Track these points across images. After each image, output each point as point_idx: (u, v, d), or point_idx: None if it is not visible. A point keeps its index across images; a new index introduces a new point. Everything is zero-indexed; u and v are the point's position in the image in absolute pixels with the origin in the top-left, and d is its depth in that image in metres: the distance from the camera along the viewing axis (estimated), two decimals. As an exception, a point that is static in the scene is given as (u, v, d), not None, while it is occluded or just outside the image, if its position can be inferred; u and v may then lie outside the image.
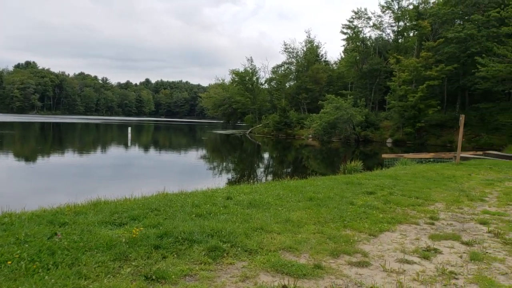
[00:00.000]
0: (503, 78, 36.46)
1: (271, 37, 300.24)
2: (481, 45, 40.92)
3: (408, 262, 4.22)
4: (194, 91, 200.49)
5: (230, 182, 16.32)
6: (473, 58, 39.79)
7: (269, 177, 20.07)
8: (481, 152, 24.35)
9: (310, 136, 50.64)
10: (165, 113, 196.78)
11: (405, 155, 20.83)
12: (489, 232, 5.57)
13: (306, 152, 37.57)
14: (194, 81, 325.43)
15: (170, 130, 74.19)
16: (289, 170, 25.26)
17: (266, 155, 36.96)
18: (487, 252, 4.62)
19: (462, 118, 17.03)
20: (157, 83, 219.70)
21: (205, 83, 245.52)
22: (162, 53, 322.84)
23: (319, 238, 4.80)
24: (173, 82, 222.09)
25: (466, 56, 42.78)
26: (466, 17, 45.44)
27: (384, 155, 20.90)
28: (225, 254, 4.04)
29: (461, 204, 7.70)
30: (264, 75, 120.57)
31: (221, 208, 6.05)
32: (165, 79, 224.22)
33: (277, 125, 57.74)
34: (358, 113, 45.26)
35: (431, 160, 19.46)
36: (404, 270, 3.96)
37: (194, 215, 5.49)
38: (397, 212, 6.65)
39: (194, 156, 30.91)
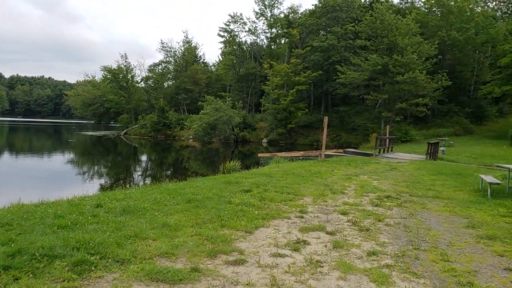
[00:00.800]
0: (358, 84, 41.76)
1: (147, 34, 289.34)
2: (340, 55, 46.25)
3: (280, 255, 4.46)
4: (59, 88, 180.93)
5: (102, 189, 15.18)
6: (334, 66, 44.66)
7: (147, 181, 19.28)
8: (341, 150, 27.42)
9: (191, 137, 50.42)
10: (23, 113, 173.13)
11: (278, 154, 22.24)
12: (348, 221, 6.25)
13: (186, 153, 37.23)
14: (59, 77, 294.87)
15: (30, 132, 65.70)
16: (168, 172, 24.68)
17: (143, 158, 35.47)
18: (346, 240, 5.17)
19: (325, 120, 18.92)
20: (12, 78, 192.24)
21: (72, 80, 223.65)
22: (18, 44, 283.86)
23: (196, 240, 4.74)
24: (33, 77, 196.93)
25: (329, 64, 47.79)
26: (328, 29, 50.82)
27: (259, 154, 21.99)
28: (93, 268, 3.69)
29: (325, 197, 8.49)
30: (140, 73, 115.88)
31: (90, 217, 5.53)
32: (22, 74, 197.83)
33: (155, 126, 55.98)
34: (236, 115, 46.81)
35: (301, 158, 21.17)
36: (277, 264, 4.17)
37: (56, 227, 4.90)
38: (271, 208, 7.00)
39: (59, 161, 27.92)
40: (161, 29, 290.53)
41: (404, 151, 26.94)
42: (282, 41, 59.87)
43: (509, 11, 61.88)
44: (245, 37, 67.56)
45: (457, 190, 9.71)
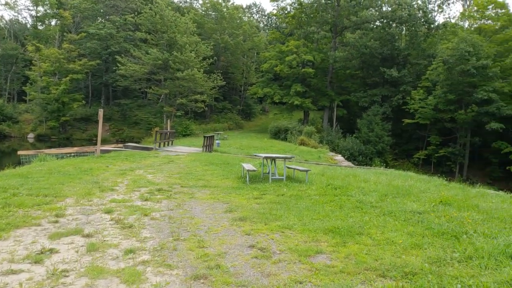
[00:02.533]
0: (139, 77, 40.97)
1: None
2: (120, 45, 44.30)
3: (14, 272, 3.64)
4: None
5: None
6: (113, 57, 42.41)
7: None
8: (121, 145, 26.28)
9: None
10: None
11: (46, 150, 19.40)
12: (112, 219, 5.79)
13: None
14: None
15: None
16: None
17: None
18: (105, 241, 4.72)
19: (100, 113, 17.60)
20: None
21: None
22: None
23: None
24: None
25: (108, 54, 45.08)
26: (107, 17, 47.81)
27: (20, 152, 18.64)
28: None
29: (92, 196, 7.73)
30: None
31: None
32: None
33: None
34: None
35: (73, 154, 19.07)
36: (7, 284, 3.36)
37: None
38: (16, 215, 5.80)
39: None
40: None
41: (184, 144, 28.06)
42: (52, 23, 52.79)
43: (268, 24, 73.31)
44: (1, 12, 56.32)
45: (224, 179, 10.57)
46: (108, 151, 20.59)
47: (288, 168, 10.52)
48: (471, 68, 31.93)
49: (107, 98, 50.27)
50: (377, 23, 43.26)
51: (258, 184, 9.10)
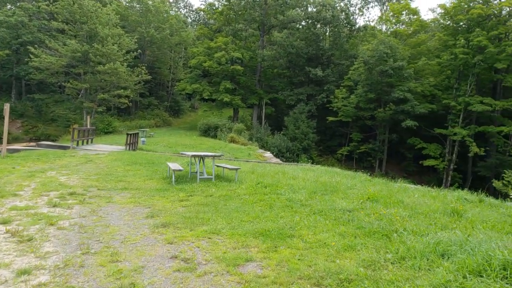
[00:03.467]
0: (56, 71, 37.57)
1: None
2: (33, 35, 40.27)
3: None
4: None
5: None
6: (26, 47, 38.38)
7: None
8: (34, 143, 23.86)
9: None
10: None
11: None
12: (7, 232, 4.90)
13: None
14: None
15: None
16: None
17: None
18: (-7, 259, 3.91)
19: (6, 107, 15.69)
20: None
21: None
22: None
23: None
24: None
25: (19, 44, 40.73)
26: (18, 3, 43.14)
27: None
28: None
29: (-13, 203, 6.62)
30: None
31: None
32: None
33: None
34: None
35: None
36: None
37: None
38: None
39: None
40: None
41: (106, 142, 26.33)
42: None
43: (196, 20, 71.96)
44: None
45: (148, 179, 9.83)
46: (17, 150, 18.52)
47: (218, 166, 10.09)
48: (389, 69, 34.12)
49: (19, 93, 45.47)
50: (303, 23, 44.49)
51: (185, 185, 8.55)
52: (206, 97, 43.25)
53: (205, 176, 9.11)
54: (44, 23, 41.00)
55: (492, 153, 33.15)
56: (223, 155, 13.15)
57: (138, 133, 22.71)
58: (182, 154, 10.65)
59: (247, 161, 19.10)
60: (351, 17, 44.34)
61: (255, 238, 4.46)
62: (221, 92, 40.04)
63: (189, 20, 70.92)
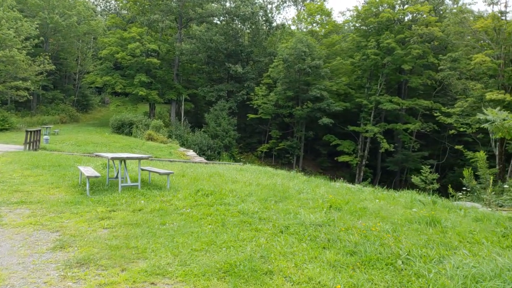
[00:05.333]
0: None
1: None
2: None
3: None
4: None
5: None
6: None
7: None
8: None
9: None
10: None
11: None
12: None
13: None
14: None
15: None
16: None
17: None
18: None
19: None
20: None
21: None
22: None
23: None
24: None
25: None
26: None
27: None
28: None
29: None
30: None
31: None
32: None
33: None
34: None
35: None
36: None
37: None
38: None
39: None
40: None
41: (0, 141, 22.52)
42: None
43: (106, 9, 66.58)
44: None
45: (53, 188, 7.91)
46: None
47: (142, 170, 8.54)
48: (307, 67, 34.68)
49: None
50: (222, 18, 43.39)
51: (104, 195, 6.90)
52: (119, 91, 39.90)
53: (129, 183, 7.52)
54: None
55: (399, 149, 35.65)
56: (151, 156, 11.48)
57: (40, 130, 19.57)
58: (97, 155, 8.87)
59: (171, 161, 17.48)
60: (270, 14, 44.36)
61: (220, 280, 3.19)
62: (135, 85, 37.19)
63: (99, 9, 65.24)
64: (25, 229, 4.85)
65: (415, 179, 17.02)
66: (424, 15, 34.24)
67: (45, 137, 21.41)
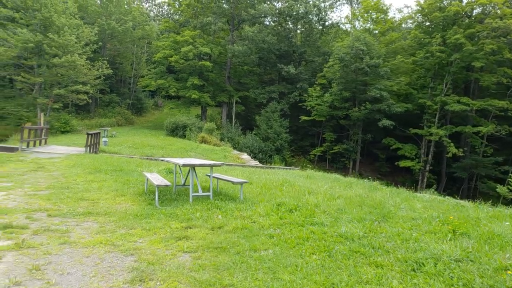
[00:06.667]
0: (6, 63, 33.40)
1: None
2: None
3: None
4: None
5: None
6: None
7: None
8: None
9: None
10: None
11: None
12: None
13: None
14: None
15: None
16: None
17: None
18: None
19: None
20: None
21: None
22: None
23: None
24: None
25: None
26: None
27: None
28: None
29: None
30: None
31: None
32: None
33: None
34: None
35: None
36: None
37: None
38: None
39: None
40: None
41: (63, 143, 23.21)
42: None
43: (159, 14, 68.37)
44: None
45: (119, 196, 7.39)
46: None
47: (215, 178, 7.78)
48: (365, 66, 32.94)
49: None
50: (274, 18, 42.64)
51: (174, 206, 6.21)
52: (173, 94, 40.40)
53: (200, 193, 6.79)
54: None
55: (467, 153, 32.80)
56: (224, 164, 10.81)
57: (99, 132, 19.80)
58: (167, 160, 8.25)
59: (228, 164, 16.86)
60: (323, 13, 42.94)
61: None
62: (188, 88, 37.36)
63: (152, 14, 67.15)
64: (96, 250, 4.19)
65: (501, 189, 15.06)
66: (497, 8, 31.24)
67: (104, 139, 21.72)
